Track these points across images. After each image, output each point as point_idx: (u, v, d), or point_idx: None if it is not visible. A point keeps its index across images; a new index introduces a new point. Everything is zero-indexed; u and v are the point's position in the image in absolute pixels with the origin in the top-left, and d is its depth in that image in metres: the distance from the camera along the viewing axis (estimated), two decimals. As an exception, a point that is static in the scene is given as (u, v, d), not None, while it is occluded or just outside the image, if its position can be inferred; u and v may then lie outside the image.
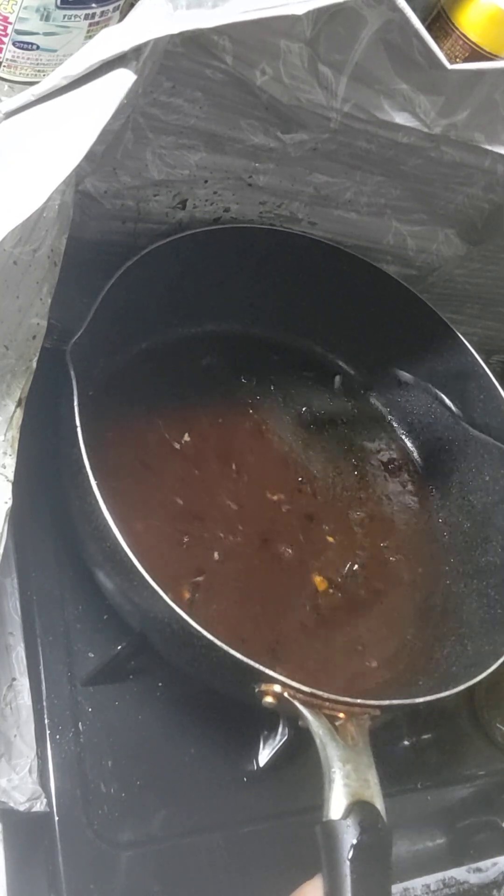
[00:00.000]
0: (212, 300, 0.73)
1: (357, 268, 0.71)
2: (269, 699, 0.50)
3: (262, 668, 0.49)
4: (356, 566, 0.70)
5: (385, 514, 0.75)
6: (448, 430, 0.77)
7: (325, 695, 0.50)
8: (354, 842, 0.45)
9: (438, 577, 0.73)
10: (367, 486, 0.76)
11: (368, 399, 0.81)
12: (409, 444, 0.80)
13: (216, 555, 0.64)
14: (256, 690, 0.50)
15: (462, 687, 0.55)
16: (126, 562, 0.50)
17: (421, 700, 0.55)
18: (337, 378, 0.79)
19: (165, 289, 0.67)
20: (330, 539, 0.71)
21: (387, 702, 0.53)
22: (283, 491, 0.71)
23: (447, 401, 0.76)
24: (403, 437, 0.80)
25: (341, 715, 0.51)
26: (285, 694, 0.50)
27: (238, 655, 0.49)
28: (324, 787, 0.47)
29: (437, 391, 0.76)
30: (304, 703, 0.50)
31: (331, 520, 0.72)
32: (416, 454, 0.80)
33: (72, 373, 0.54)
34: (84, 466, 0.51)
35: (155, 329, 0.71)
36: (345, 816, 0.46)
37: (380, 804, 0.47)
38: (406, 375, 0.78)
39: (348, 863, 0.44)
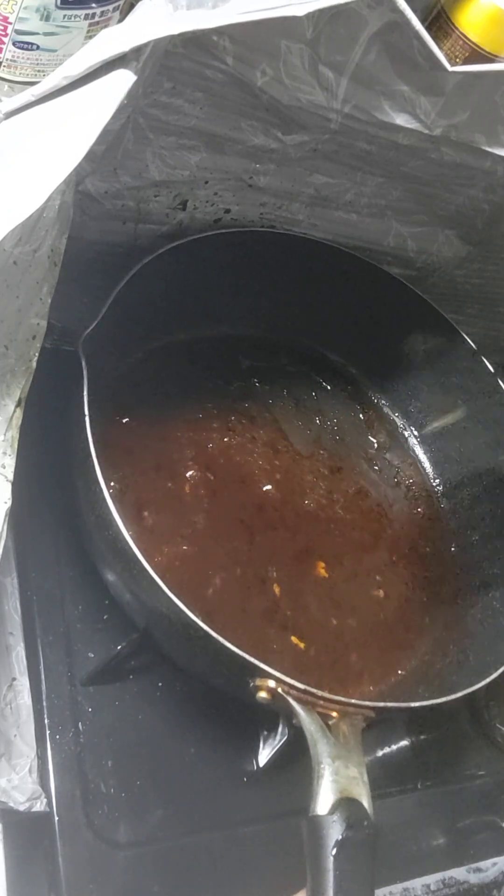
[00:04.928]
0: (226, 303, 0.73)
1: (364, 271, 0.72)
2: (263, 694, 0.50)
3: (257, 662, 0.50)
4: (361, 573, 0.70)
5: (393, 522, 0.75)
6: (458, 439, 0.77)
7: (320, 693, 0.50)
8: (339, 838, 0.45)
9: (444, 587, 0.73)
10: (376, 492, 0.76)
11: (380, 407, 0.81)
12: (419, 452, 0.80)
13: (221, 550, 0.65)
14: (251, 685, 0.51)
15: (459, 694, 0.55)
16: (126, 550, 0.50)
17: (416, 705, 0.55)
18: None
19: (178, 290, 0.67)
20: (337, 545, 0.71)
21: (381, 703, 0.54)
22: (293, 493, 0.71)
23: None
24: (414, 445, 0.80)
25: (334, 714, 0.51)
26: (279, 689, 0.50)
27: (233, 648, 0.49)
28: (312, 782, 0.47)
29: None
30: (297, 699, 0.50)
31: (338, 525, 0.72)
32: (426, 463, 0.80)
33: (83, 363, 0.54)
34: (90, 455, 0.51)
35: (167, 330, 0.71)
36: (331, 812, 0.46)
37: (367, 802, 0.47)
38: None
39: (332, 858, 0.44)
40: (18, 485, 0.50)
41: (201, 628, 0.49)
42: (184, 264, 0.64)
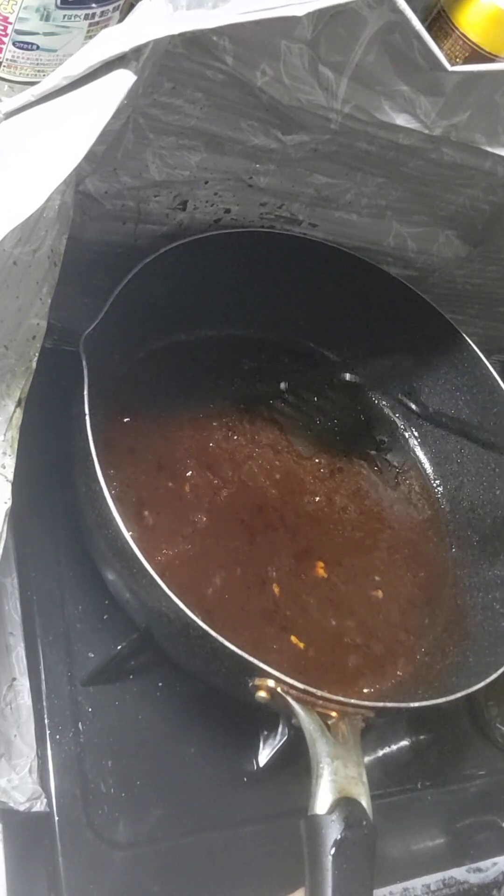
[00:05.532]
0: (226, 303, 0.73)
1: (364, 271, 0.71)
2: (262, 693, 0.50)
3: (256, 661, 0.50)
4: (361, 574, 0.70)
5: (393, 523, 0.75)
6: (460, 442, 0.77)
7: (319, 692, 0.50)
8: (338, 837, 0.45)
9: (444, 588, 0.73)
10: (376, 493, 0.76)
11: (381, 409, 0.81)
12: (420, 454, 0.80)
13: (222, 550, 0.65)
14: (251, 684, 0.51)
15: (459, 695, 0.55)
16: (127, 550, 0.50)
17: (415, 705, 0.55)
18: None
19: (178, 290, 0.67)
20: (336, 545, 0.71)
21: (380, 703, 0.53)
22: (293, 493, 0.71)
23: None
24: (416, 447, 0.80)
25: (334, 714, 0.51)
26: (279, 689, 0.50)
27: (233, 647, 0.49)
28: (311, 781, 0.47)
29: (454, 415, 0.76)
30: (296, 699, 0.50)
31: (337, 525, 0.72)
32: (426, 465, 0.80)
33: (84, 363, 0.54)
34: (91, 455, 0.51)
35: (168, 330, 0.72)
36: (330, 811, 0.46)
37: (366, 802, 0.47)
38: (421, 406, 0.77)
39: (330, 858, 0.44)
40: (18, 485, 0.50)
41: (201, 627, 0.49)
42: (184, 264, 0.64)
